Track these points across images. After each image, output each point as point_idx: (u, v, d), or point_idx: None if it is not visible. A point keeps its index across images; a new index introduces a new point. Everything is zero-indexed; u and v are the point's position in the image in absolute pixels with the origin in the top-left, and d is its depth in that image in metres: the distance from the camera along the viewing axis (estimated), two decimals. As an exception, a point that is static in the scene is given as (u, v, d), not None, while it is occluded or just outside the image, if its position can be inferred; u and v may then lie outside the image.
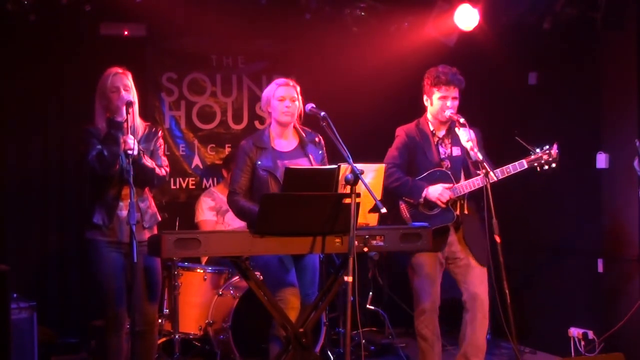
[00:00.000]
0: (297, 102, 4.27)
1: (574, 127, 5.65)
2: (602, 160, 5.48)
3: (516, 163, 4.40)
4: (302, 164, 4.23)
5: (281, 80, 4.33)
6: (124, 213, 4.13)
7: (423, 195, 4.46)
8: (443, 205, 4.45)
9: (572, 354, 5.51)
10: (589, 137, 5.59)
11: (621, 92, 5.40)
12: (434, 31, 5.91)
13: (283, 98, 4.25)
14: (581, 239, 5.69)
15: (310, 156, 4.28)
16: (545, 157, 4.38)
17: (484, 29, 5.84)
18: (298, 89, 4.31)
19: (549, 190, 5.94)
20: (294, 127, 4.35)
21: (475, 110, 4.80)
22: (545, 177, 4.57)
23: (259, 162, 4.21)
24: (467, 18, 5.73)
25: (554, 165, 4.40)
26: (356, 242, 3.66)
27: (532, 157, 4.40)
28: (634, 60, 5.27)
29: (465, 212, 4.52)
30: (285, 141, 4.33)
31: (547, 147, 4.40)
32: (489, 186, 4.25)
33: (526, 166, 4.40)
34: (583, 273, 5.67)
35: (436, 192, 4.44)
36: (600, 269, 5.52)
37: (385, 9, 6.08)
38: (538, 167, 4.41)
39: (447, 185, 4.45)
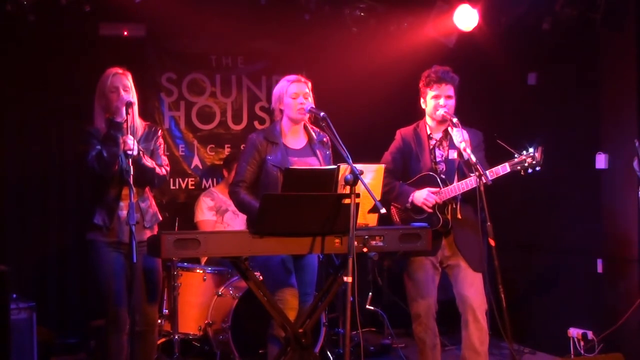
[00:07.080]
0: (310, 98, 4.23)
1: (574, 127, 5.65)
2: (601, 161, 5.48)
3: (499, 167, 4.28)
4: (311, 162, 4.22)
5: (292, 76, 4.27)
6: (124, 213, 4.13)
7: (410, 200, 4.43)
8: (429, 210, 4.39)
9: (572, 354, 5.51)
10: (588, 137, 5.59)
11: (621, 93, 5.40)
12: (434, 31, 5.92)
13: (296, 95, 4.20)
14: (581, 239, 5.69)
15: (319, 156, 4.26)
16: (529, 160, 4.23)
17: (483, 29, 5.85)
18: (309, 84, 4.28)
19: (549, 191, 5.94)
20: (304, 125, 4.33)
21: (474, 111, 4.79)
22: (543, 176, 4.53)
23: (269, 157, 4.17)
24: (466, 18, 5.74)
25: (538, 168, 4.25)
26: (355, 243, 3.66)
27: (515, 160, 4.26)
28: (633, 60, 5.27)
29: (458, 216, 4.42)
30: (295, 138, 4.31)
31: (532, 150, 4.25)
32: (482, 188, 4.17)
33: (509, 169, 4.26)
34: (583, 273, 5.67)
35: (421, 196, 4.39)
36: (600, 269, 5.52)
37: (385, 9, 6.08)
38: (522, 171, 4.26)
39: (433, 189, 4.40)
